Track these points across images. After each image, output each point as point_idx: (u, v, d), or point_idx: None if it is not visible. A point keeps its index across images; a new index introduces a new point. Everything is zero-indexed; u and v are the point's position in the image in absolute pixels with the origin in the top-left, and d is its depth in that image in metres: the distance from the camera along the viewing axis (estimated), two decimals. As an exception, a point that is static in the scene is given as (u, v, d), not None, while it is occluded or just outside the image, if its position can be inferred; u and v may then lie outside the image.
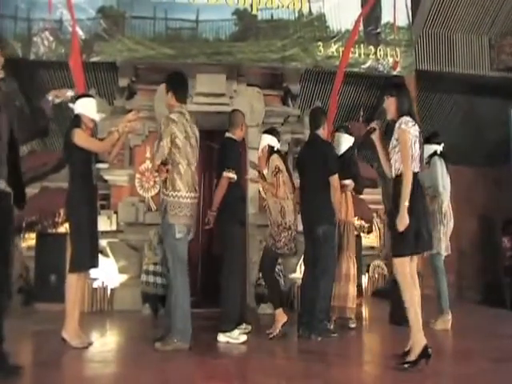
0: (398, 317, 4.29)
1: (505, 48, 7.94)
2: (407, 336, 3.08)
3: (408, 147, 2.99)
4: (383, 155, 3.20)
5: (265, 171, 4.12)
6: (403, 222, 2.90)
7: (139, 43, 6.40)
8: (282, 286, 4.96)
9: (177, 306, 3.40)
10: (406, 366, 2.87)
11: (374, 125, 3.21)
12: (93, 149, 3.64)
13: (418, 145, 3.03)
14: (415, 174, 3.01)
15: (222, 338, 3.67)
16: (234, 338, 3.65)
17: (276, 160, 3.99)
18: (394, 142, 3.08)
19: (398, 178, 3.03)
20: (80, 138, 3.57)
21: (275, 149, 4.10)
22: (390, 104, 3.17)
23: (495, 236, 6.84)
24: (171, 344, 3.36)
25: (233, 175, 3.77)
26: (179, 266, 3.45)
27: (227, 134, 4.01)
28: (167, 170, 3.46)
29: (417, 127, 3.06)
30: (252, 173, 4.31)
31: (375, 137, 3.20)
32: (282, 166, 3.97)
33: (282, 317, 3.82)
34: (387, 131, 3.32)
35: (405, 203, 2.92)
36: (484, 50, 7.98)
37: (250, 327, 3.99)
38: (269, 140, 4.12)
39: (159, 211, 3.64)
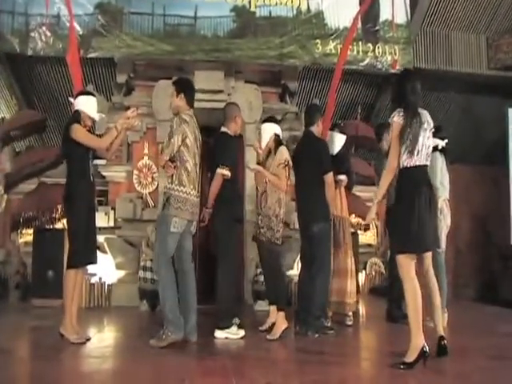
0: (395, 314, 4.32)
1: (502, 47, 7.95)
2: (404, 333, 3.10)
3: (395, 139, 2.93)
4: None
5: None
6: (369, 217, 3.01)
7: (137, 39, 6.38)
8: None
9: (165, 299, 3.41)
10: (401, 366, 2.83)
11: None
12: (91, 145, 3.63)
13: (421, 137, 2.91)
14: (421, 167, 2.93)
15: (219, 334, 3.68)
16: (232, 333, 3.66)
17: (285, 153, 3.97)
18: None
19: (400, 172, 2.95)
20: (78, 133, 3.56)
21: (280, 137, 4.09)
22: None
23: (492, 235, 6.86)
24: (165, 339, 3.36)
25: (226, 172, 3.76)
26: (164, 259, 3.46)
27: (222, 129, 3.99)
28: (175, 167, 3.50)
29: (417, 118, 2.93)
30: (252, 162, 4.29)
31: None
32: (291, 161, 3.97)
33: (283, 322, 3.79)
34: None
35: (376, 199, 2.96)
36: (482, 49, 8.00)
37: (238, 320, 3.91)
38: (274, 128, 4.08)
39: (159, 204, 3.63)
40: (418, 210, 2.85)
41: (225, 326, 3.67)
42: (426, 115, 3.03)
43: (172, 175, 3.51)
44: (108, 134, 3.70)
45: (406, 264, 2.92)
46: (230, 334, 3.66)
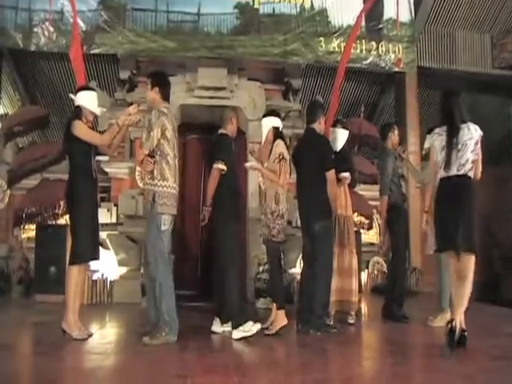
0: (396, 314, 4.32)
1: (507, 46, 7.93)
2: (405, 332, 3.08)
3: (431, 160, 3.41)
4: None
5: (265, 164, 4.03)
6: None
7: (140, 35, 6.39)
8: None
9: (162, 299, 3.38)
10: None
11: None
12: (92, 141, 3.62)
13: (444, 150, 3.28)
14: (450, 178, 3.25)
15: (236, 334, 3.59)
16: (247, 330, 3.58)
17: (281, 146, 3.90)
18: None
19: None
20: (80, 130, 3.55)
21: (280, 129, 4.03)
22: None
23: (495, 235, 6.83)
24: (160, 338, 3.34)
25: (222, 166, 3.74)
26: (161, 259, 3.41)
27: (220, 131, 4.01)
28: (154, 162, 3.44)
29: (444, 136, 3.30)
30: (252, 160, 4.27)
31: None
32: (287, 154, 3.90)
33: (282, 319, 3.78)
34: None
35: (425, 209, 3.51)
36: (486, 48, 7.97)
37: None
38: (273, 121, 4.03)
39: (146, 203, 3.52)
40: (441, 215, 3.28)
41: (239, 324, 3.61)
42: (466, 129, 3.27)
43: (153, 170, 3.43)
44: (109, 131, 3.69)
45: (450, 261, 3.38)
46: (244, 333, 3.57)
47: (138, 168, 6.05)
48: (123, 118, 3.58)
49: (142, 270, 5.29)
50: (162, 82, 3.61)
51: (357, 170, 5.01)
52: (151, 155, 3.44)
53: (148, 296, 3.65)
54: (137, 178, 6.03)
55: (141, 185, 6.00)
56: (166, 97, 3.60)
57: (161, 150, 3.45)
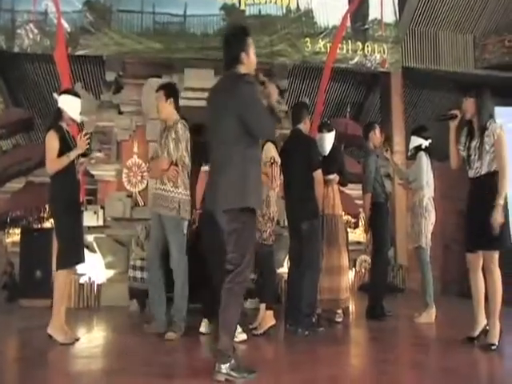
0: (379, 312, 4.36)
1: (488, 46, 8.06)
2: (391, 330, 3.12)
3: (507, 149, 3.22)
4: (454, 146, 3.42)
5: None
6: (499, 218, 3.10)
7: (126, 37, 6.36)
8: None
9: (184, 297, 3.67)
10: (493, 348, 3.14)
11: (456, 112, 3.40)
12: (46, 158, 3.51)
13: (474, 152, 3.28)
14: (473, 179, 3.28)
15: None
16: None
17: (272, 150, 3.90)
18: (488, 142, 3.20)
19: (487, 177, 3.19)
20: (48, 141, 3.50)
21: None
22: (469, 104, 3.30)
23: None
24: (179, 332, 3.60)
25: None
26: (185, 260, 3.69)
27: None
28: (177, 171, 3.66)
29: (481, 138, 3.25)
30: None
31: (453, 124, 3.40)
32: (278, 158, 3.90)
33: (270, 320, 3.81)
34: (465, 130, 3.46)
35: (500, 201, 3.12)
36: (468, 48, 8.09)
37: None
38: None
39: (167, 208, 3.64)
40: (466, 214, 3.31)
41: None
42: (490, 129, 3.22)
43: (177, 180, 3.65)
44: (62, 160, 3.47)
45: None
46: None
47: (125, 170, 6.02)
48: (74, 154, 3.51)
49: (130, 273, 5.25)
50: (174, 94, 3.81)
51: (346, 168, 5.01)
52: (175, 164, 3.65)
53: (153, 298, 3.79)
54: (124, 180, 6.00)
55: (128, 187, 5.98)
56: (178, 108, 3.81)
57: (183, 162, 3.68)
